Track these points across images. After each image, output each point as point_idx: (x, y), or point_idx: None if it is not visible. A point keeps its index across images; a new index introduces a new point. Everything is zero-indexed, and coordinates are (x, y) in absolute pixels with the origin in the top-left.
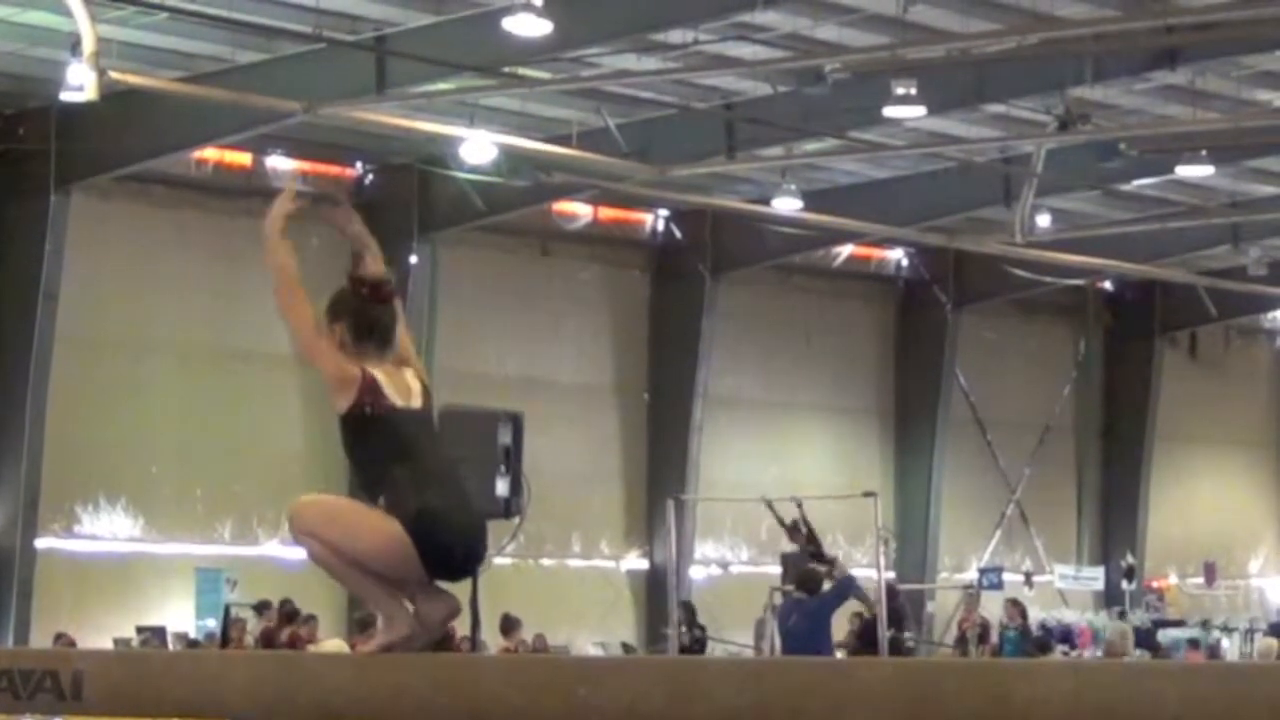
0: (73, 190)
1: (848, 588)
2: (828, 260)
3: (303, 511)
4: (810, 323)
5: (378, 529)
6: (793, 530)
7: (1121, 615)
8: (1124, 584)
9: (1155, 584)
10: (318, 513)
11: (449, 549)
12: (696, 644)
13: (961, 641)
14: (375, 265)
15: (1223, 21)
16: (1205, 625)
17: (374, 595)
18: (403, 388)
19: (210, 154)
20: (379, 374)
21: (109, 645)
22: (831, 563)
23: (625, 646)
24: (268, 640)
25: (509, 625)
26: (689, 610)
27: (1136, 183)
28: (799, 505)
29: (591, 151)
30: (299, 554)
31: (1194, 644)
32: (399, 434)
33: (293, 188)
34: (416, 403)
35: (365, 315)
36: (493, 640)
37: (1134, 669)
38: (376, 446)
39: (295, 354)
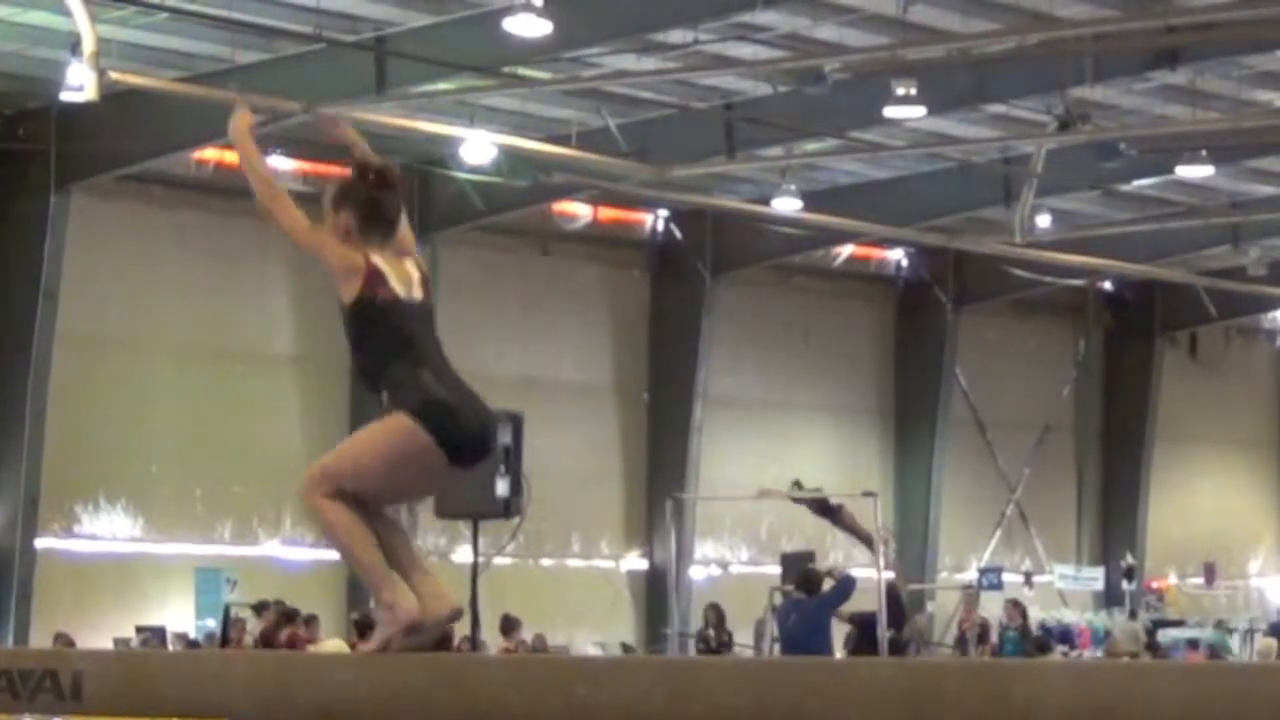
0: (73, 190)
1: (848, 587)
2: (828, 260)
3: (308, 472)
4: (810, 323)
5: (385, 429)
6: (794, 498)
7: (1133, 615)
8: (1124, 584)
9: (1155, 584)
10: (323, 461)
11: (463, 429)
12: (723, 648)
13: (961, 641)
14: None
15: (1223, 21)
16: (1219, 625)
17: (382, 578)
18: (404, 277)
19: (210, 154)
20: (381, 262)
21: (109, 645)
22: (838, 509)
23: (625, 646)
24: (267, 640)
25: (509, 625)
26: (718, 613)
27: (1136, 183)
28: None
29: (591, 151)
30: (299, 554)
31: (1194, 644)
32: (401, 326)
33: (241, 102)
34: (418, 294)
35: (372, 201)
36: (493, 640)
37: (1134, 669)
38: (380, 337)
39: (295, 354)
